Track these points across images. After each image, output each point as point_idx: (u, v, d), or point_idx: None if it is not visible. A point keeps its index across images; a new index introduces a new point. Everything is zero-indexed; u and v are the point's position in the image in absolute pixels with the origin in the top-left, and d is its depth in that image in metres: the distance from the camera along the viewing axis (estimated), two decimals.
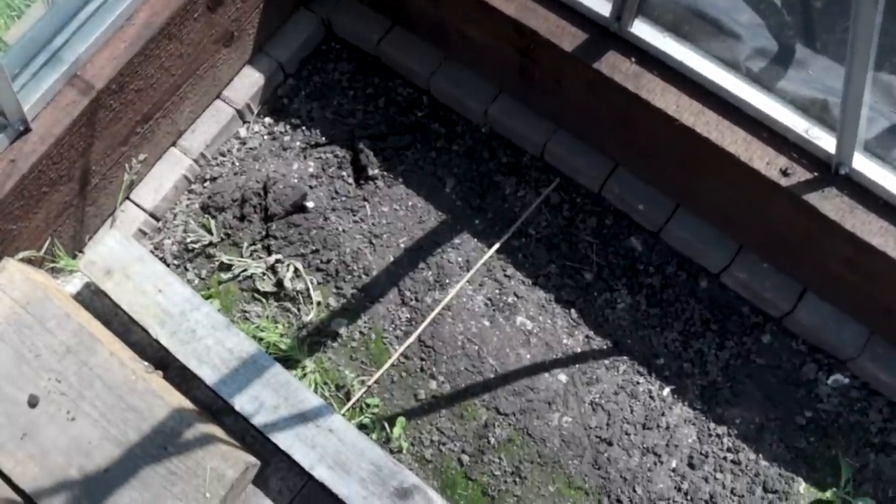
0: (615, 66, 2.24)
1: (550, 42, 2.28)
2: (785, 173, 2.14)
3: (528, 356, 2.50)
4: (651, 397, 2.49)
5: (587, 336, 2.55)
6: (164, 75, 2.50)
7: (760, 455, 2.44)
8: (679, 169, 2.42)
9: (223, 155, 2.83)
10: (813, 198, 2.12)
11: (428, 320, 2.49)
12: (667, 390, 2.50)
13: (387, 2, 2.77)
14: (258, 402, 2.23)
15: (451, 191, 2.71)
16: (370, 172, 2.69)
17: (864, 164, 2.09)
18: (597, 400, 2.47)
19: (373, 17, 2.85)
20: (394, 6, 2.76)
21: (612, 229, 2.68)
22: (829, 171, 2.13)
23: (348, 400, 2.43)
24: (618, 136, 2.50)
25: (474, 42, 2.58)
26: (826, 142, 2.11)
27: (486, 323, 2.53)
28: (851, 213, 2.10)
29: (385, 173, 2.72)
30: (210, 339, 2.30)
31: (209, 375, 2.26)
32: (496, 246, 2.62)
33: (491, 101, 2.72)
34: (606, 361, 2.53)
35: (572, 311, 2.58)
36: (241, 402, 2.23)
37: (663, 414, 2.47)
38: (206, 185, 2.79)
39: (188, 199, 2.79)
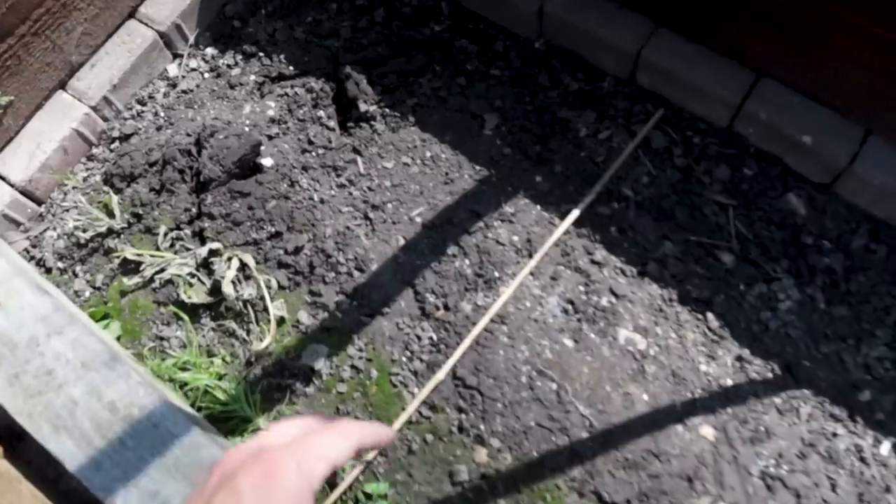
0: None
1: None
2: None
3: (645, 397, 1.45)
4: (863, 458, 1.42)
5: (738, 357, 1.50)
6: None
7: None
8: (877, 67, 1.39)
9: (142, 103, 1.85)
10: None
11: (467, 341, 1.46)
12: (887, 446, 1.43)
13: None
14: (157, 501, 1.19)
15: (493, 133, 1.69)
16: (362, 109, 1.69)
17: None
18: (771, 470, 1.40)
19: None
20: None
21: (757, 182, 1.65)
22: None
23: (333, 488, 1.38)
24: (773, 17, 1.48)
25: None
26: None
27: (568, 342, 1.48)
28: None
29: (386, 110, 1.72)
30: (78, 387, 1.28)
31: (71, 452, 1.24)
32: (574, 215, 1.58)
33: None
34: (777, 399, 1.47)
35: (709, 315, 1.53)
36: (127, 502, 1.20)
37: (888, 489, 1.40)
38: (113, 146, 1.81)
39: (87, 168, 1.81)
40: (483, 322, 1.46)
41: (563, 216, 1.60)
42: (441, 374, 1.44)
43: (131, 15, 1.85)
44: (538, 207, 1.61)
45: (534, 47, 1.79)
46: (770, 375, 1.50)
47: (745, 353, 1.51)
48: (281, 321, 1.52)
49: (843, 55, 1.45)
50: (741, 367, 1.49)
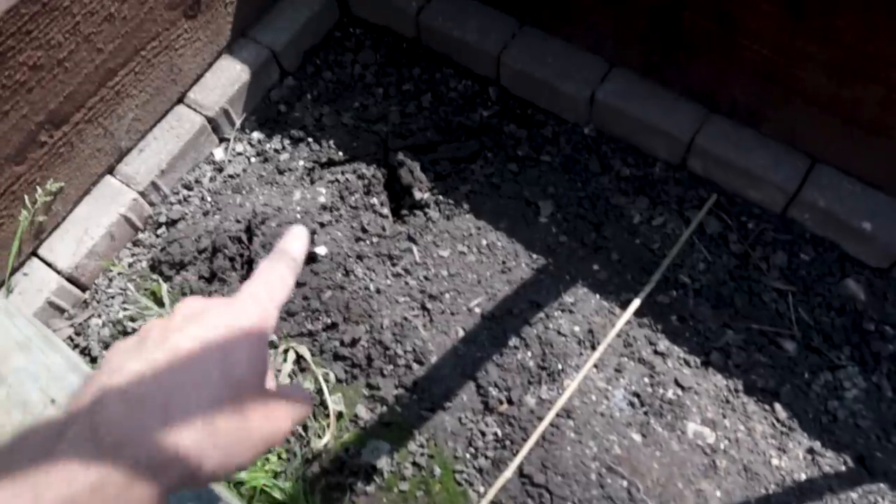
0: None
1: None
2: None
3: (718, 493, 1.40)
4: None
5: (810, 450, 1.46)
6: (82, 48, 1.55)
7: None
8: None
9: (188, 188, 1.84)
10: None
11: (534, 437, 1.42)
12: None
13: None
14: None
15: (548, 220, 1.68)
16: (417, 196, 1.69)
17: None
18: None
19: None
20: None
21: (814, 268, 1.64)
22: None
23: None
24: (831, 105, 1.49)
25: None
26: None
27: (636, 436, 1.44)
28: None
29: (440, 197, 1.71)
30: None
31: None
32: (635, 304, 1.56)
33: (599, 83, 1.74)
34: (853, 494, 1.42)
35: (776, 406, 1.50)
36: None
37: None
38: (160, 231, 1.79)
39: (132, 254, 1.79)
40: (549, 417, 1.42)
41: (622, 305, 1.58)
42: (508, 472, 1.39)
43: (180, 100, 1.86)
44: (597, 296, 1.59)
45: (583, 133, 1.80)
46: (843, 469, 1.45)
47: (816, 445, 1.47)
48: (339, 416, 1.48)
49: None
50: (813, 461, 1.45)
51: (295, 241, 0.55)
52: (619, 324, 1.53)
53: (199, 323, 0.46)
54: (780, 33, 1.42)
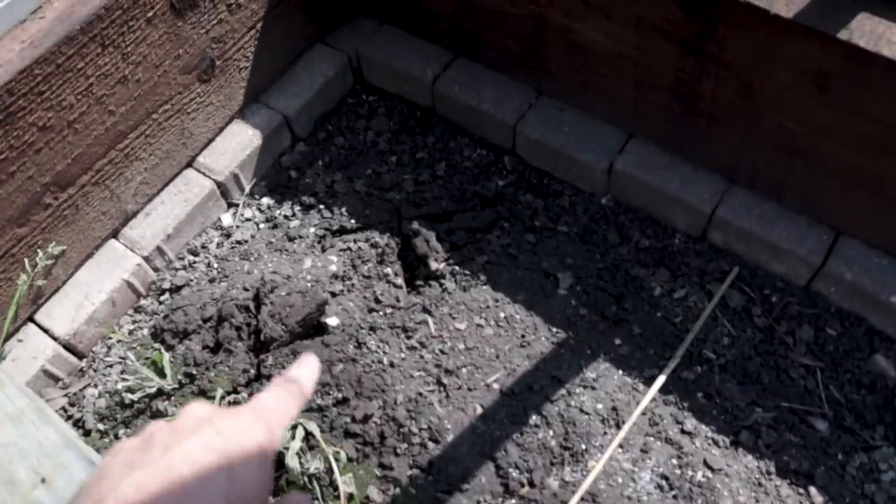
0: (880, 35, 1.25)
1: (751, 6, 1.31)
2: None
3: None
4: None
5: None
6: (93, 109, 1.52)
7: None
8: None
9: (194, 253, 1.79)
10: None
11: None
12: None
13: (446, 23, 1.85)
14: None
15: (567, 292, 1.63)
16: (433, 267, 1.64)
17: None
18: None
19: (423, 49, 1.93)
20: (457, 26, 1.84)
21: (842, 343, 1.59)
22: None
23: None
24: (859, 181, 1.47)
25: (592, 55, 1.63)
26: None
27: None
28: None
29: (456, 268, 1.66)
30: None
31: None
32: (660, 380, 1.50)
33: (617, 153, 1.72)
34: None
35: (811, 490, 1.42)
36: None
37: None
38: (163, 298, 1.73)
39: (133, 321, 1.72)
40: (573, 501, 1.34)
41: (646, 381, 1.51)
42: None
43: (189, 164, 1.83)
44: (620, 372, 1.52)
45: (600, 203, 1.77)
46: None
47: None
48: (350, 498, 1.39)
49: None
50: None
51: (306, 369, 0.54)
52: (644, 401, 1.46)
53: (204, 436, 0.44)
54: (803, 105, 1.40)
